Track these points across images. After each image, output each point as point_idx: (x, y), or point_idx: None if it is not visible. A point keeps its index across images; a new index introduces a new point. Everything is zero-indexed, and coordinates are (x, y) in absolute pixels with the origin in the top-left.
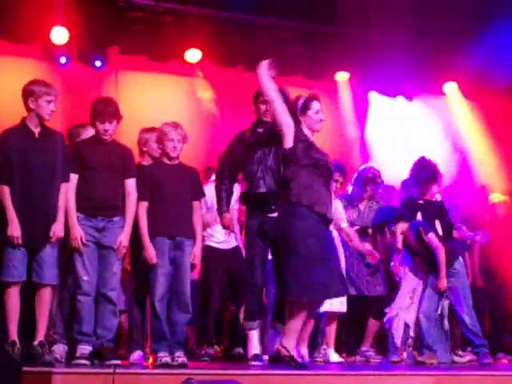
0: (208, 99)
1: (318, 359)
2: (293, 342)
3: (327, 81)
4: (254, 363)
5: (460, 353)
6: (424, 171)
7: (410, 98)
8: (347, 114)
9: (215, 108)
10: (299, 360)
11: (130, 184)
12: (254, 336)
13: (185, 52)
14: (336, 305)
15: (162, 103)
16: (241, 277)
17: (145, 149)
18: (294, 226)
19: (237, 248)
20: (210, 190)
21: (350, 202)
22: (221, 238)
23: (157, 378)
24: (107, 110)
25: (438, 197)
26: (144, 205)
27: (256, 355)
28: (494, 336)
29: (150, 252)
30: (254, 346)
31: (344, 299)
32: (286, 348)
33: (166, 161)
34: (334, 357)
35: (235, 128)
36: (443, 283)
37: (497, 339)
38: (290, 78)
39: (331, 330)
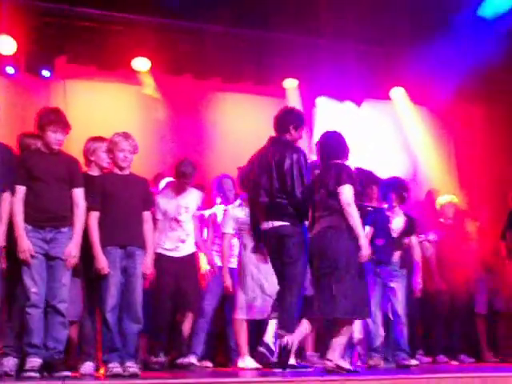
0: (156, 107)
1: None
2: (338, 354)
3: (276, 87)
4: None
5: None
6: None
7: (358, 103)
8: None
9: (163, 116)
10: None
11: (78, 194)
12: None
13: (133, 60)
14: None
15: (111, 112)
16: (188, 286)
17: (92, 158)
18: (346, 248)
19: (189, 257)
20: (164, 197)
21: None
22: (171, 246)
23: None
24: (60, 119)
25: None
26: (95, 215)
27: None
28: (453, 337)
29: (102, 262)
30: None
31: None
32: (330, 360)
33: (117, 171)
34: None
35: (184, 136)
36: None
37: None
38: (239, 85)
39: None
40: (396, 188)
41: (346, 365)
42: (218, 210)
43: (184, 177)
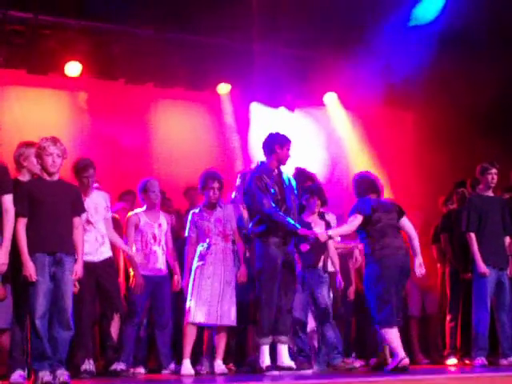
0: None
1: (202, 371)
2: None
3: (209, 92)
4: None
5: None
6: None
7: (291, 108)
8: (229, 124)
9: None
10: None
11: (7, 200)
12: (266, 351)
13: (65, 65)
14: (225, 319)
15: (43, 117)
16: (110, 287)
17: (25, 163)
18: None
19: (108, 259)
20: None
21: None
22: (90, 249)
23: None
24: None
25: None
26: (23, 221)
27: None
28: None
29: (30, 269)
30: (266, 359)
31: (234, 313)
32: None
33: (46, 176)
34: (221, 368)
35: (116, 141)
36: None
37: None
38: (172, 90)
39: (220, 342)
40: (320, 193)
41: None
42: (140, 212)
43: (86, 175)
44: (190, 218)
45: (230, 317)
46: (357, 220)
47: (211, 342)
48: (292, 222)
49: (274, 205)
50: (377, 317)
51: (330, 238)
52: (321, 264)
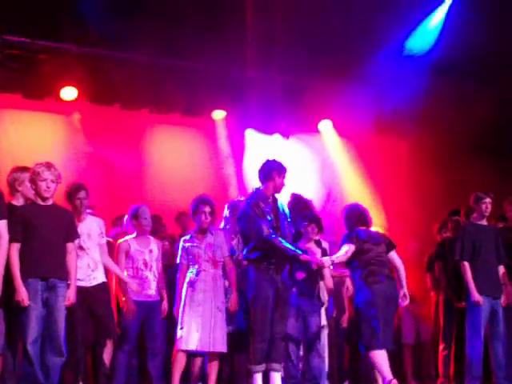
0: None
1: None
2: None
3: (204, 118)
4: None
5: None
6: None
7: (286, 135)
8: (224, 151)
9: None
10: None
11: (1, 226)
12: (259, 378)
13: (61, 90)
14: (218, 345)
15: (37, 141)
16: (103, 313)
17: (20, 188)
18: None
19: (101, 285)
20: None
21: None
22: (82, 275)
23: None
24: None
25: None
26: (16, 246)
27: None
28: None
29: (22, 294)
30: None
31: (225, 340)
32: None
33: (40, 201)
34: None
35: (111, 166)
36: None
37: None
38: (168, 116)
39: (212, 369)
40: (318, 221)
41: None
42: (130, 239)
43: (78, 196)
44: (180, 244)
45: (222, 343)
46: (350, 249)
47: (202, 369)
48: (293, 247)
49: (272, 231)
50: (364, 340)
51: (333, 263)
52: (317, 292)
